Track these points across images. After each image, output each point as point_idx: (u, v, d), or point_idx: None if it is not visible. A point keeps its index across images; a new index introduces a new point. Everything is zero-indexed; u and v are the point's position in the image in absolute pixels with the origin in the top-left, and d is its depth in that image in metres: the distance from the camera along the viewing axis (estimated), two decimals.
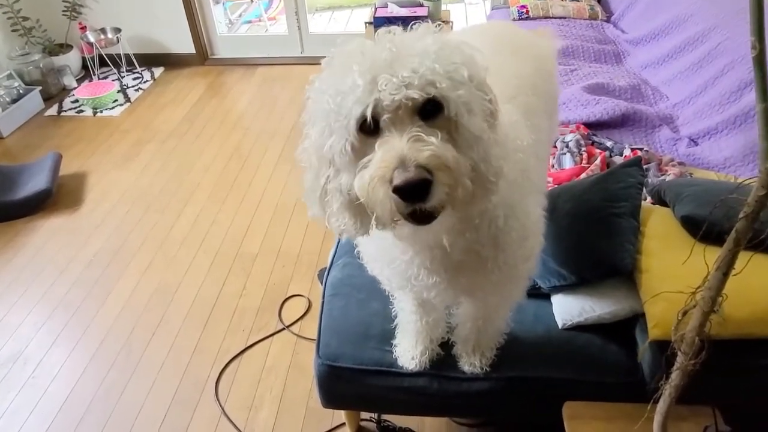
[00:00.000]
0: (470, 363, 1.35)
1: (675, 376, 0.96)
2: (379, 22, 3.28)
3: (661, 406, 1.02)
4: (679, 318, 0.91)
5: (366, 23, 3.60)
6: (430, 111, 0.77)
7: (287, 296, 2.27)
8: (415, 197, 0.73)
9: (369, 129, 0.77)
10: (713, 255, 0.84)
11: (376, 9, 3.41)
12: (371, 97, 0.75)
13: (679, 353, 0.93)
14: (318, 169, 0.85)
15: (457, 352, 1.38)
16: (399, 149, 0.72)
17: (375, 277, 1.18)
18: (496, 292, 1.12)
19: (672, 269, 1.22)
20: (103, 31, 4.12)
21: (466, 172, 0.77)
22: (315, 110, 0.83)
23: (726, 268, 0.78)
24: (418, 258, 0.99)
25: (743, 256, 0.80)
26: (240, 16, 5.12)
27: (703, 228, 0.95)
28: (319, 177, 0.85)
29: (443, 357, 1.38)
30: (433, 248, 0.96)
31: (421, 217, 0.77)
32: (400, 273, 1.05)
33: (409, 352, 1.36)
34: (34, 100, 3.77)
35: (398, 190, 0.72)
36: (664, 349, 1.00)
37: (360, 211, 0.83)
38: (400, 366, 1.38)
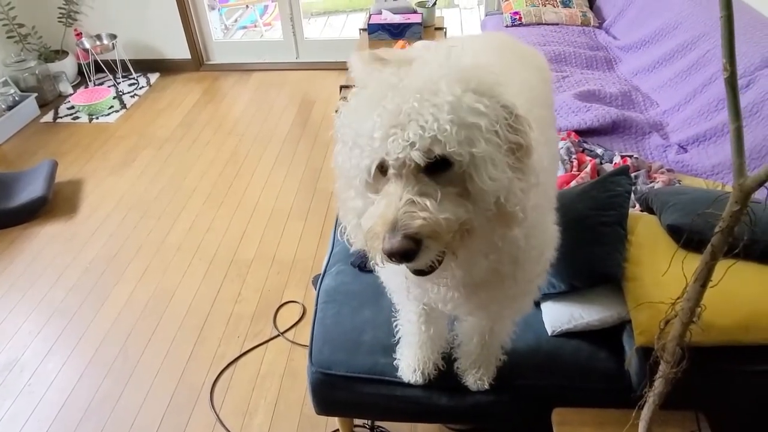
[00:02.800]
0: (475, 379, 1.36)
1: (658, 383, 0.98)
2: (373, 29, 3.30)
3: (646, 412, 1.04)
4: (662, 327, 0.93)
5: (360, 30, 3.62)
6: (440, 165, 0.78)
7: (282, 302, 2.29)
8: (402, 260, 0.77)
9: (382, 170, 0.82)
10: (696, 263, 0.86)
11: (370, 16, 3.43)
12: (380, 153, 0.78)
13: (661, 362, 0.96)
14: (344, 182, 0.90)
15: (461, 369, 1.38)
16: (393, 212, 0.76)
17: (372, 286, 1.19)
18: (509, 305, 1.14)
19: (659, 277, 1.24)
20: (98, 37, 4.13)
21: (478, 223, 0.81)
22: (340, 136, 0.87)
23: (703, 280, 0.80)
24: (439, 276, 0.99)
25: (722, 266, 0.83)
26: (235, 21, 5.14)
27: (684, 237, 0.98)
28: (343, 191, 0.90)
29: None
30: (454, 269, 0.96)
31: (420, 272, 0.83)
32: (418, 284, 1.06)
33: (411, 364, 1.37)
34: (29, 106, 3.78)
35: (385, 252, 0.76)
36: (650, 355, 1.03)
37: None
38: (400, 377, 1.39)
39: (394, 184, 0.79)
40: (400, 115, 0.77)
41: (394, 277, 1.15)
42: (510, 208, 0.82)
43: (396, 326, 1.41)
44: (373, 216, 0.80)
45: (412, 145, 0.76)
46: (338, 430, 1.74)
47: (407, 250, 0.75)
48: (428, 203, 0.76)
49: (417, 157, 0.76)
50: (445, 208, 0.77)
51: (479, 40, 1.55)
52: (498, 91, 0.82)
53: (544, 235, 1.07)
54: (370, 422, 1.75)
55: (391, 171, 0.78)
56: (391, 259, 0.77)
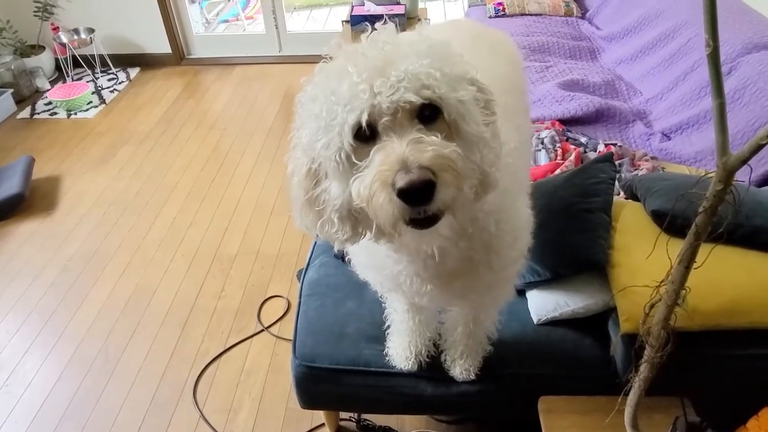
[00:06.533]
0: (461, 369, 1.34)
1: (643, 368, 0.97)
2: (356, 20, 3.27)
3: (631, 398, 1.03)
4: (646, 311, 0.92)
5: (343, 21, 3.58)
6: (428, 115, 0.75)
7: (266, 297, 2.25)
8: (420, 200, 0.71)
9: (365, 136, 0.75)
10: (679, 247, 0.85)
11: (353, 7, 3.40)
12: (368, 103, 0.72)
13: (646, 346, 0.95)
14: (307, 176, 0.82)
15: (447, 359, 1.37)
16: (400, 152, 0.70)
17: (355, 277, 1.18)
18: (488, 293, 1.12)
19: (643, 264, 1.23)
20: (76, 31, 4.05)
21: (470, 171, 0.77)
22: (307, 116, 0.80)
23: (687, 262, 0.79)
24: (412, 267, 0.98)
25: (706, 249, 0.82)
26: (217, 15, 5.07)
27: (666, 221, 0.97)
28: (309, 184, 0.83)
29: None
30: (426, 258, 0.94)
31: (423, 221, 0.75)
32: (391, 279, 1.04)
33: (402, 352, 1.35)
34: (5, 102, 3.69)
35: (402, 194, 0.69)
36: (635, 342, 1.02)
37: (352, 219, 0.81)
38: (386, 367, 1.37)
39: (387, 137, 0.73)
40: (379, 65, 0.74)
41: (368, 271, 1.13)
42: (487, 166, 0.80)
43: (384, 315, 1.39)
44: (371, 171, 0.72)
45: (405, 88, 0.72)
46: (324, 424, 1.72)
47: (427, 181, 0.69)
48: (433, 139, 0.72)
49: (413, 98, 0.72)
50: (448, 145, 0.73)
51: (445, 29, 1.51)
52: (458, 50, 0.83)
53: (516, 221, 1.05)
54: (356, 415, 1.73)
55: (383, 121, 0.73)
56: (405, 200, 0.70)
